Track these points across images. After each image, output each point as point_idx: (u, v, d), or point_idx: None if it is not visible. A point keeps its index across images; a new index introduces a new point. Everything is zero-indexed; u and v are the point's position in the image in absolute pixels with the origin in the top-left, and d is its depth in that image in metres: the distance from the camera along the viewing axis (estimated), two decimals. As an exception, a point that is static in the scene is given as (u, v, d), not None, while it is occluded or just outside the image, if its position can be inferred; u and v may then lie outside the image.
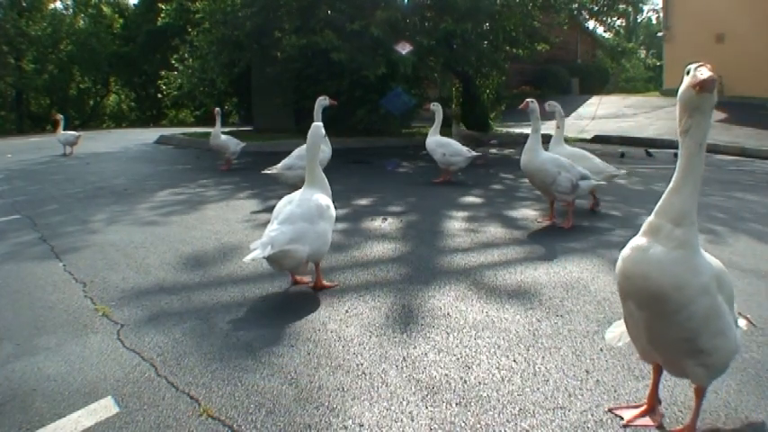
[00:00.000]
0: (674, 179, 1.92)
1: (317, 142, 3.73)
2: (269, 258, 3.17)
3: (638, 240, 1.96)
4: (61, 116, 12.71)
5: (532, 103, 5.19)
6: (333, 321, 3.08)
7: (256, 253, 3.07)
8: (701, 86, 1.79)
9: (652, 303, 1.88)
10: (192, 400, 2.31)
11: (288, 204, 3.46)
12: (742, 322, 2.17)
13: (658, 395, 2.20)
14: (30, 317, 3.19)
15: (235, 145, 9.09)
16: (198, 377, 2.49)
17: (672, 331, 1.90)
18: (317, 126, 3.77)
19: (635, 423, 2.12)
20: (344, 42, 11.70)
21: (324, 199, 3.58)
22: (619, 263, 2.01)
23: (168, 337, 2.89)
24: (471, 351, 2.71)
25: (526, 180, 8.21)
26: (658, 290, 1.84)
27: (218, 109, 9.21)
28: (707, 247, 4.50)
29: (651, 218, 1.96)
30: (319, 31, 11.82)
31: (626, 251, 1.99)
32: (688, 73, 1.87)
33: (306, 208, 3.41)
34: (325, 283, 3.62)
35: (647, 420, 2.12)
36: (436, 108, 7.71)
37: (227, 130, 15.24)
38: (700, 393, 2.04)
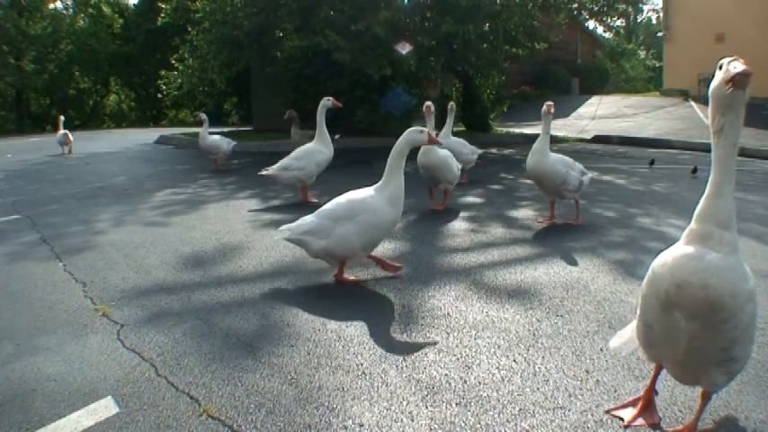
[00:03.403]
0: (711, 182, 1.84)
1: (406, 149, 3.57)
2: (292, 242, 3.66)
3: (687, 249, 1.84)
4: (62, 117, 12.79)
5: (552, 107, 5.14)
6: (333, 321, 3.08)
7: (282, 233, 3.61)
8: (735, 83, 1.69)
9: (707, 312, 1.78)
10: (192, 400, 2.31)
11: (336, 198, 3.62)
12: None
13: (655, 391, 2.21)
14: (30, 317, 3.19)
15: (227, 144, 9.06)
16: (198, 377, 2.49)
17: (714, 341, 1.83)
18: (414, 131, 3.60)
19: (635, 423, 2.12)
20: (347, 43, 11.71)
21: (373, 202, 3.48)
22: (665, 273, 1.87)
23: (168, 337, 2.89)
24: (471, 351, 2.71)
25: (525, 180, 8.24)
26: (717, 298, 1.75)
27: (203, 115, 9.21)
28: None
29: (694, 225, 1.86)
30: (320, 31, 11.82)
31: (676, 260, 1.85)
32: (720, 68, 1.76)
33: (338, 206, 3.55)
34: (347, 277, 3.70)
35: (645, 419, 2.13)
36: (451, 109, 7.62)
37: (226, 130, 15.28)
38: (707, 396, 2.03)
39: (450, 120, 7.54)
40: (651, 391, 2.19)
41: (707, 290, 1.76)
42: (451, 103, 7.85)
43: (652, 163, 9.71)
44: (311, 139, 8.72)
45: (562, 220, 5.37)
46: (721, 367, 1.89)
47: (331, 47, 11.64)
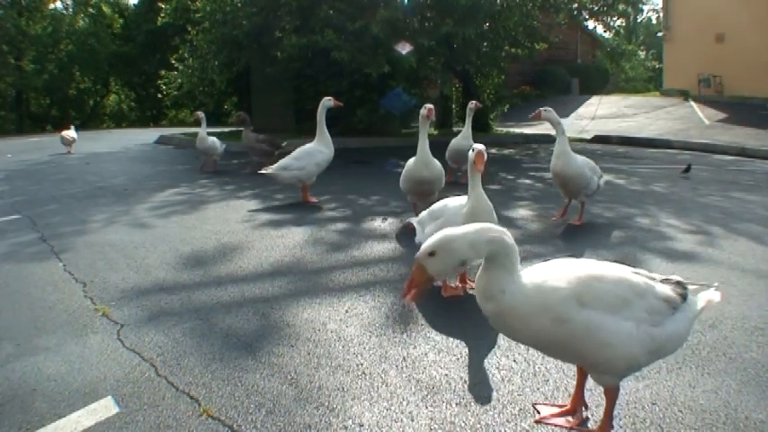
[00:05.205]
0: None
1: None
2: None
3: None
4: (73, 126, 12.93)
5: (546, 111, 4.99)
6: (333, 321, 3.08)
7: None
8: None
9: (532, 346, 2.06)
10: (192, 400, 2.31)
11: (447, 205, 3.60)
12: (705, 295, 2.07)
13: (584, 399, 2.18)
14: (30, 317, 3.19)
15: (220, 146, 9.02)
16: (198, 377, 2.49)
17: (561, 356, 2.06)
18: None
19: (549, 421, 2.13)
20: (345, 42, 11.71)
21: (453, 211, 3.41)
22: None
23: (168, 337, 2.89)
24: (471, 351, 2.71)
25: (524, 180, 8.25)
26: (525, 342, 2.00)
27: (200, 113, 9.18)
28: (705, 248, 4.50)
29: None
30: (319, 30, 11.83)
31: None
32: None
33: (437, 205, 3.68)
34: (449, 285, 3.58)
35: (562, 421, 2.13)
36: (471, 110, 7.41)
37: (226, 130, 15.28)
38: (609, 394, 2.00)
39: (469, 120, 7.40)
40: (576, 398, 2.18)
41: (514, 340, 2.06)
42: (472, 103, 7.56)
43: (688, 170, 8.59)
44: (264, 142, 8.63)
45: (562, 221, 5.38)
46: (592, 370, 1.97)
47: (329, 45, 11.64)
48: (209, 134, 9.25)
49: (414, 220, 3.89)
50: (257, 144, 8.51)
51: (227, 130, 15.88)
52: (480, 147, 3.12)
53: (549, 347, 1.94)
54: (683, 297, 1.99)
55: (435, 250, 1.82)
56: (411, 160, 4.93)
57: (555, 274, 1.90)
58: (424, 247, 1.84)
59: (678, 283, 2.02)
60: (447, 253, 1.81)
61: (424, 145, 4.81)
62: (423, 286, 1.88)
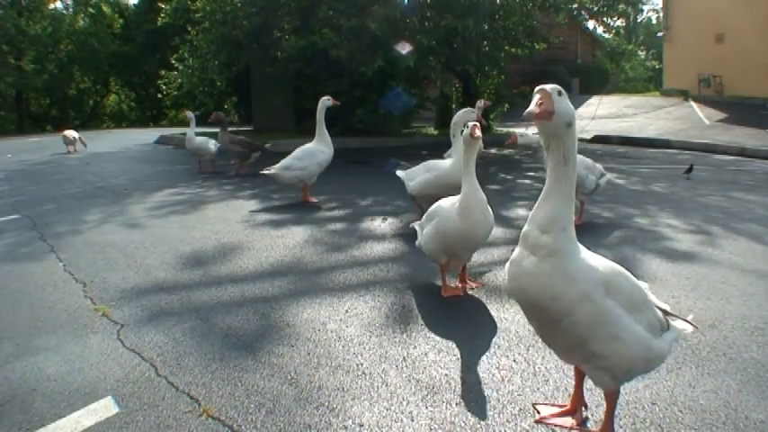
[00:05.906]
0: (544, 189, 1.91)
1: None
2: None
3: (515, 252, 1.96)
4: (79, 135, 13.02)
5: (522, 137, 5.12)
6: (333, 321, 3.08)
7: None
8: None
9: (535, 313, 1.92)
10: (192, 400, 2.31)
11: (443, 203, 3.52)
12: (680, 324, 2.11)
13: (584, 399, 2.18)
14: (30, 317, 3.19)
15: (213, 145, 8.92)
16: (198, 377, 2.49)
17: (561, 337, 1.92)
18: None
19: (549, 421, 2.12)
20: (344, 40, 11.72)
21: (446, 209, 3.38)
22: (507, 275, 2.03)
23: (168, 337, 2.89)
24: (471, 351, 2.71)
25: (524, 180, 8.25)
26: (536, 302, 1.87)
27: (189, 113, 9.13)
28: (705, 248, 4.50)
29: (524, 227, 1.95)
30: (318, 31, 11.84)
31: (507, 264, 2.00)
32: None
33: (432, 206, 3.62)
34: (448, 284, 3.53)
35: (563, 421, 2.12)
36: (479, 108, 6.87)
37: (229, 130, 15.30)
38: (609, 397, 2.00)
39: None
40: (576, 398, 2.18)
41: (524, 294, 1.90)
42: (481, 101, 7.32)
43: (690, 170, 8.35)
44: (239, 144, 8.53)
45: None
46: (590, 363, 1.92)
47: (327, 45, 11.64)
48: (203, 135, 9.22)
49: (416, 225, 3.86)
50: (231, 146, 8.47)
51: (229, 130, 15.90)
52: (475, 122, 3.30)
53: (554, 323, 1.86)
54: (668, 325, 2.07)
55: (563, 92, 1.86)
56: (443, 163, 4.82)
57: (593, 257, 1.94)
58: (554, 85, 1.87)
59: (666, 312, 2.10)
60: (568, 103, 1.86)
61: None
62: (545, 116, 1.80)
